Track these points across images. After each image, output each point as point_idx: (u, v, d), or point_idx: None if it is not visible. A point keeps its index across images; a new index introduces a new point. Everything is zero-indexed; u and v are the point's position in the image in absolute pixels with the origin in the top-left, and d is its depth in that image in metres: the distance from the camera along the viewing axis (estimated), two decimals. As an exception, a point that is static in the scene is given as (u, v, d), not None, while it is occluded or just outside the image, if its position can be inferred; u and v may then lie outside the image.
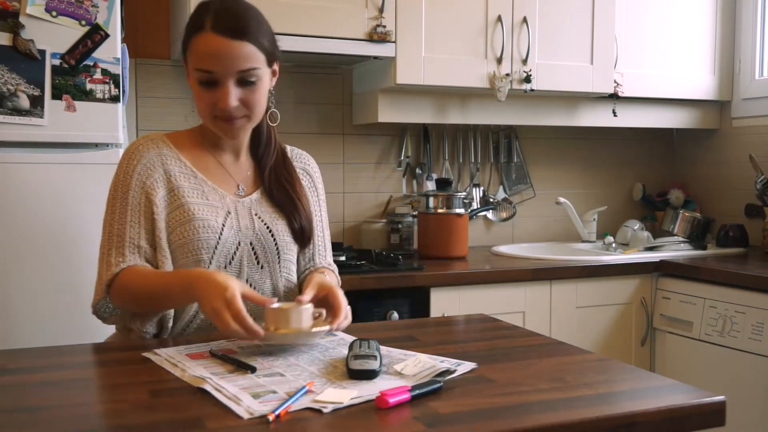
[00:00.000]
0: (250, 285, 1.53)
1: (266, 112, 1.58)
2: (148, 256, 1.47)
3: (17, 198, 1.98)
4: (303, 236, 1.61)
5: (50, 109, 1.98)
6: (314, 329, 1.31)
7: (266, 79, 1.52)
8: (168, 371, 1.21)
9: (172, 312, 1.49)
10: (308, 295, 1.38)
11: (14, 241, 1.98)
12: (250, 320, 1.25)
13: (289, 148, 1.71)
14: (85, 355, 1.38)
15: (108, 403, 1.11)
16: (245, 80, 1.46)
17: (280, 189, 1.61)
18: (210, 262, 1.49)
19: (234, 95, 1.46)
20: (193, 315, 1.51)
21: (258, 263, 1.55)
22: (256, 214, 1.56)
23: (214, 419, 0.99)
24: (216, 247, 1.49)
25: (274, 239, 1.56)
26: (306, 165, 1.72)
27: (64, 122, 2.00)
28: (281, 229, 1.57)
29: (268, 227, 1.56)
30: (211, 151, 1.59)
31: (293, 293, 1.61)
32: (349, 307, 1.42)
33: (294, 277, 1.63)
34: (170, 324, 1.50)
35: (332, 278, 1.65)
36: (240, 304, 1.26)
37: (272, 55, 1.52)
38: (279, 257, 1.57)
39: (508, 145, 3.27)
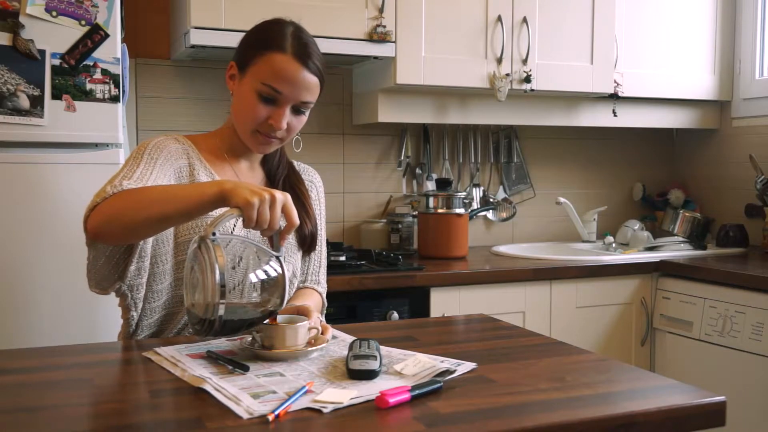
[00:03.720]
0: None
1: None
2: None
3: (17, 198, 1.98)
4: (311, 243, 1.65)
5: (50, 109, 1.98)
6: (310, 348, 1.31)
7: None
8: (168, 371, 1.21)
9: (162, 300, 1.48)
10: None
11: (14, 242, 1.98)
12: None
13: (295, 163, 1.75)
14: (85, 355, 1.38)
15: (108, 403, 1.11)
16: (299, 109, 1.53)
17: (294, 197, 1.60)
18: None
19: (287, 119, 1.51)
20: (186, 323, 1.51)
21: None
22: None
23: (214, 419, 0.99)
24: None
25: None
26: (313, 178, 1.77)
27: (64, 122, 2.00)
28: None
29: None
30: (227, 158, 1.61)
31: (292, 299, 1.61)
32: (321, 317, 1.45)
33: (294, 283, 1.65)
34: (160, 314, 1.50)
35: (312, 297, 1.67)
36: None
37: (321, 92, 1.58)
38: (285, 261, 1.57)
39: (508, 145, 3.27)
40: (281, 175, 1.66)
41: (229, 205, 1.22)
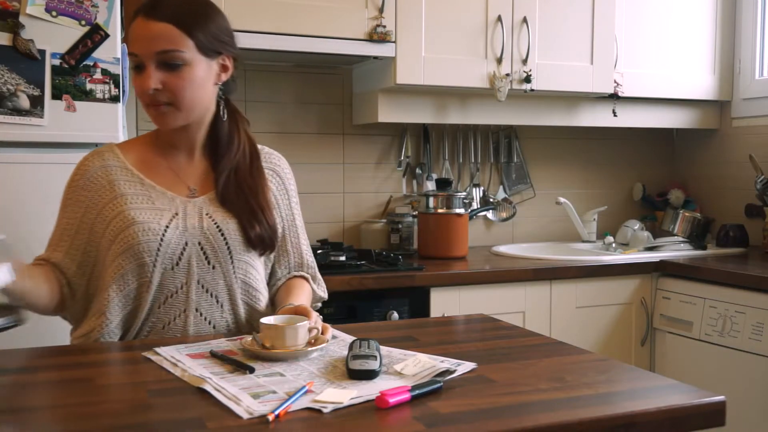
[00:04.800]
0: (202, 286, 1.50)
1: (222, 109, 1.56)
2: (63, 268, 1.51)
3: (17, 198, 1.98)
4: (263, 244, 1.56)
5: (50, 109, 1.98)
6: (310, 348, 1.30)
7: (199, 69, 1.47)
8: (168, 371, 1.21)
9: (117, 319, 1.48)
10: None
11: (14, 241, 1.98)
12: None
13: (262, 149, 1.66)
14: (85, 355, 1.38)
15: (108, 403, 1.11)
16: (167, 63, 1.44)
17: (239, 195, 1.56)
18: (154, 265, 1.46)
19: (154, 77, 1.43)
20: (144, 320, 1.49)
21: (209, 263, 1.50)
22: (206, 214, 1.52)
23: (214, 419, 0.99)
24: (159, 250, 1.46)
25: (225, 239, 1.51)
26: (275, 165, 1.67)
27: (64, 122, 2.00)
28: (233, 229, 1.52)
29: (218, 226, 1.51)
30: (164, 155, 1.56)
31: (254, 297, 1.57)
32: (320, 317, 1.43)
33: (254, 281, 1.57)
34: (119, 330, 1.49)
35: (304, 291, 1.62)
36: None
37: (211, 45, 1.48)
38: (231, 257, 1.52)
39: (508, 145, 3.27)
40: (226, 167, 1.56)
41: None
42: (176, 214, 1.50)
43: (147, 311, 1.48)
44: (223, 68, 1.53)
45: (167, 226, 1.48)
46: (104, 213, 1.49)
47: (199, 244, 1.50)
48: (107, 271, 1.48)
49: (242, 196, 1.55)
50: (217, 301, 1.52)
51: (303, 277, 1.68)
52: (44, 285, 1.46)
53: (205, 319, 1.51)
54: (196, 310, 1.50)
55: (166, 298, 1.48)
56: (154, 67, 1.43)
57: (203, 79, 1.48)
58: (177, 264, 1.49)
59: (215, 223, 1.51)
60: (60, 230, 1.53)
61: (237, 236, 1.53)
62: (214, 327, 1.52)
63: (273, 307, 1.61)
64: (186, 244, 1.49)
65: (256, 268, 1.58)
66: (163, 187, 1.53)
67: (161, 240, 1.47)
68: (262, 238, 1.55)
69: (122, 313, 1.48)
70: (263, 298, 1.60)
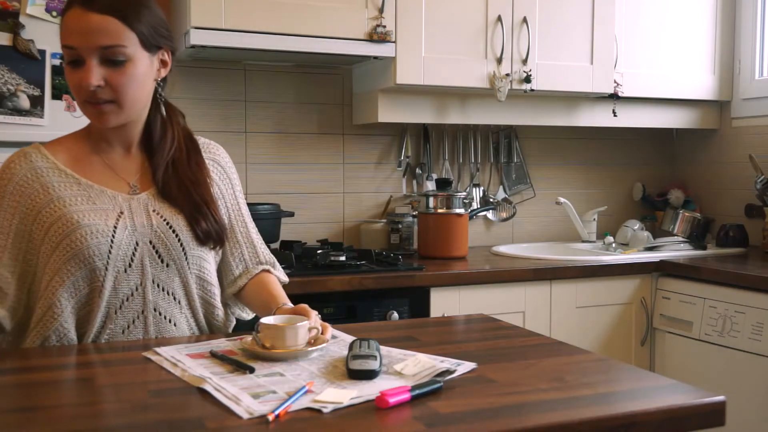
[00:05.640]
0: (157, 285, 1.46)
1: (160, 104, 1.52)
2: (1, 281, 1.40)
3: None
4: (212, 238, 1.52)
5: (50, 109, 1.99)
6: (310, 348, 1.30)
7: (142, 65, 1.42)
8: (168, 371, 1.21)
9: (71, 326, 1.43)
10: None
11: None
12: None
13: (199, 139, 1.61)
14: (85, 355, 1.38)
15: (108, 403, 1.11)
16: (110, 59, 1.37)
17: (180, 189, 1.51)
18: (106, 269, 1.41)
19: (97, 73, 1.37)
20: (101, 326, 1.44)
21: (162, 261, 1.46)
22: (153, 211, 1.47)
23: (214, 419, 0.99)
24: (110, 252, 1.41)
25: (176, 235, 1.47)
26: (215, 156, 1.62)
27: (64, 122, 2.01)
28: (182, 224, 1.48)
29: (167, 223, 1.47)
30: (98, 151, 1.50)
31: (209, 292, 1.54)
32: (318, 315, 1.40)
33: (208, 275, 1.54)
34: (74, 336, 1.44)
35: (276, 284, 1.59)
36: None
37: (153, 40, 1.43)
38: (185, 253, 1.48)
39: (508, 145, 3.27)
40: (162, 160, 1.50)
41: None
42: (121, 212, 1.45)
43: (103, 317, 1.43)
44: (163, 63, 1.49)
45: (115, 227, 1.42)
46: (41, 218, 1.41)
47: (151, 242, 1.45)
48: (53, 278, 1.40)
49: (184, 190, 1.50)
50: (175, 299, 1.48)
51: (266, 270, 1.62)
52: None
53: (165, 318, 1.47)
54: (155, 309, 1.46)
55: (122, 302, 1.43)
56: (96, 62, 1.37)
57: (145, 76, 1.44)
58: (129, 265, 1.43)
59: (164, 220, 1.47)
60: None
61: (188, 231, 1.49)
62: (175, 325, 1.49)
63: (262, 308, 1.54)
64: (137, 243, 1.44)
65: (209, 262, 1.54)
66: (102, 185, 1.47)
67: (112, 242, 1.41)
68: (209, 233, 1.50)
69: (74, 318, 1.43)
70: (217, 292, 1.57)
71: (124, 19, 1.38)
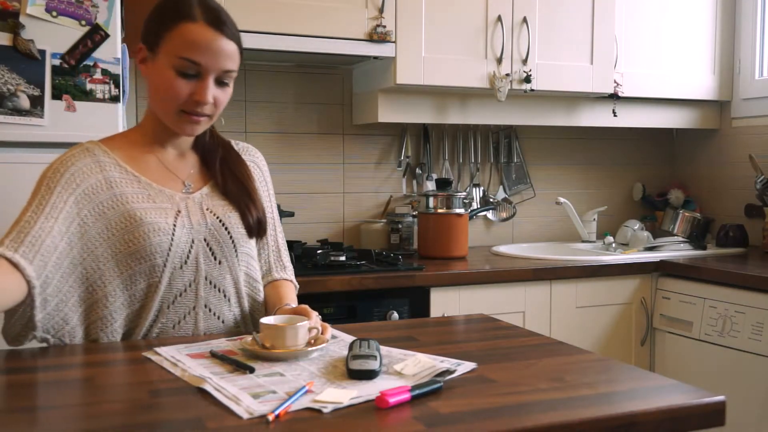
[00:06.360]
0: (209, 282, 1.50)
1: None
2: (39, 264, 1.35)
3: (17, 198, 1.98)
4: (259, 228, 1.58)
5: (50, 109, 1.98)
6: (310, 348, 1.30)
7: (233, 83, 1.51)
8: (168, 371, 1.21)
9: (120, 318, 1.45)
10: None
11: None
12: None
13: (233, 141, 1.67)
14: (85, 355, 1.38)
15: (108, 403, 1.11)
16: (222, 81, 1.46)
17: (234, 181, 1.58)
18: (164, 265, 1.45)
19: (212, 91, 1.44)
20: (153, 320, 1.47)
21: (215, 259, 1.51)
22: (207, 209, 1.52)
23: (214, 419, 0.99)
24: (170, 250, 1.45)
25: (229, 232, 1.52)
26: (255, 158, 1.68)
27: (64, 122, 2.00)
28: (235, 222, 1.53)
29: (221, 221, 1.52)
30: (153, 151, 1.54)
31: (255, 288, 1.59)
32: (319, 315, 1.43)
33: (255, 273, 1.60)
34: (119, 327, 1.45)
35: (289, 288, 1.64)
36: None
37: (241, 60, 1.50)
38: (236, 250, 1.53)
39: (508, 145, 3.27)
40: (217, 156, 1.58)
41: None
42: (179, 211, 1.49)
43: (156, 311, 1.47)
44: None
45: (175, 225, 1.47)
46: (99, 207, 1.43)
47: (205, 240, 1.50)
48: (108, 269, 1.43)
49: (238, 183, 1.58)
50: (225, 296, 1.53)
51: (287, 279, 1.69)
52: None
53: (214, 314, 1.52)
54: (205, 306, 1.50)
55: (175, 297, 1.48)
56: (212, 81, 1.44)
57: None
58: (185, 262, 1.48)
59: (218, 218, 1.52)
60: (36, 229, 1.38)
61: (239, 228, 1.54)
62: (223, 322, 1.53)
63: (265, 307, 1.61)
64: (193, 241, 1.49)
65: (256, 260, 1.62)
66: (159, 184, 1.51)
67: (172, 239, 1.46)
68: (259, 221, 1.57)
69: (126, 312, 1.46)
70: (261, 289, 1.62)
71: (240, 45, 1.48)
